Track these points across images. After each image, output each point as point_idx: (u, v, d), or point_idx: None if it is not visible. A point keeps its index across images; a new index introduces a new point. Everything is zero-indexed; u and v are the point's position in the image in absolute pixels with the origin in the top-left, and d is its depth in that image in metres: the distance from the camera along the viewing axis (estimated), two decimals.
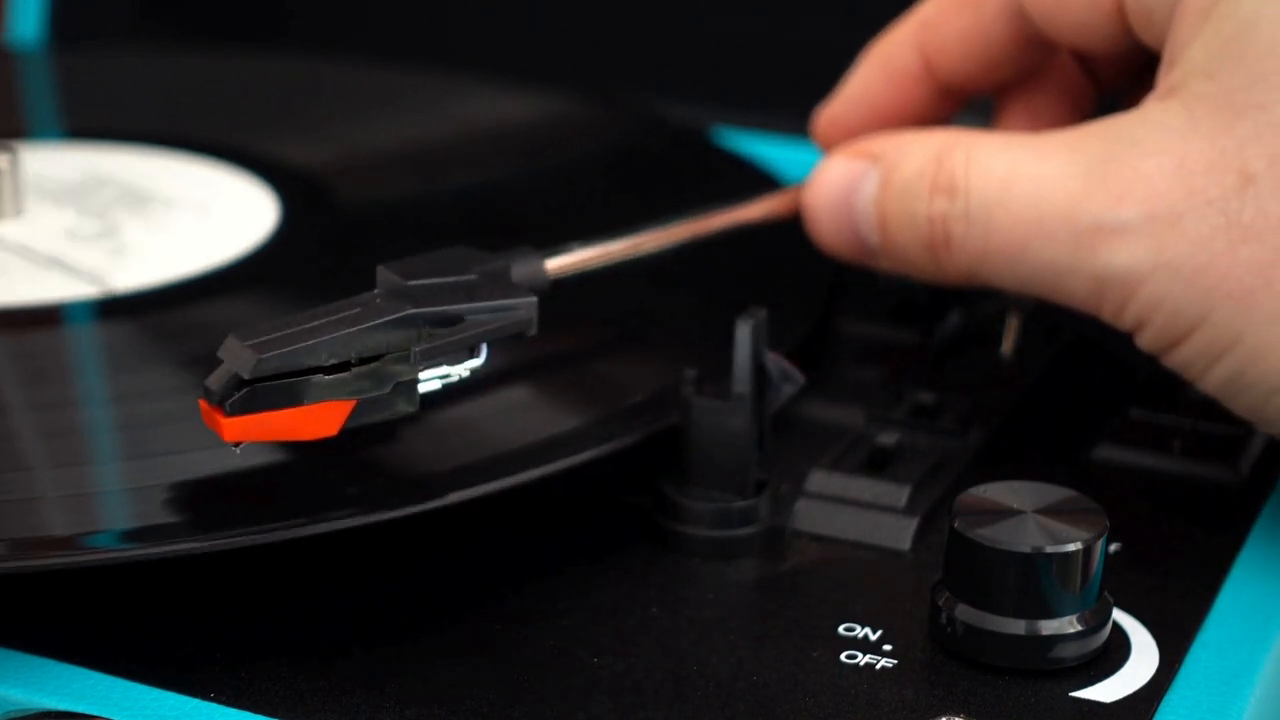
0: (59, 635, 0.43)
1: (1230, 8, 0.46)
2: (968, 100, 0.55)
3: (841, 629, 0.44)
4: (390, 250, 0.48)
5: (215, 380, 0.42)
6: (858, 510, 0.48)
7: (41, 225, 0.58)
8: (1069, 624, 0.43)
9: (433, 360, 0.44)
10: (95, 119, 0.66)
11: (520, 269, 0.47)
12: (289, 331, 0.43)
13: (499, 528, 0.48)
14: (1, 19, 0.79)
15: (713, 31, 0.74)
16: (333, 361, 0.43)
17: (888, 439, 0.50)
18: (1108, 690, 0.42)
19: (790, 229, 0.53)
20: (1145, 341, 0.46)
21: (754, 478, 0.47)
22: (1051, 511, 0.43)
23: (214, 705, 0.42)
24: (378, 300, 0.44)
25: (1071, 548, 0.42)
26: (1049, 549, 0.42)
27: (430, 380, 0.45)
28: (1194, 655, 0.44)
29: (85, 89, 0.69)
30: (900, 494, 0.48)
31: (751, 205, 0.53)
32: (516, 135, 0.66)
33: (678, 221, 0.51)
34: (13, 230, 0.57)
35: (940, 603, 0.43)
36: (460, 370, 0.45)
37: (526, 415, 0.49)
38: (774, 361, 0.47)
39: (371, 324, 0.43)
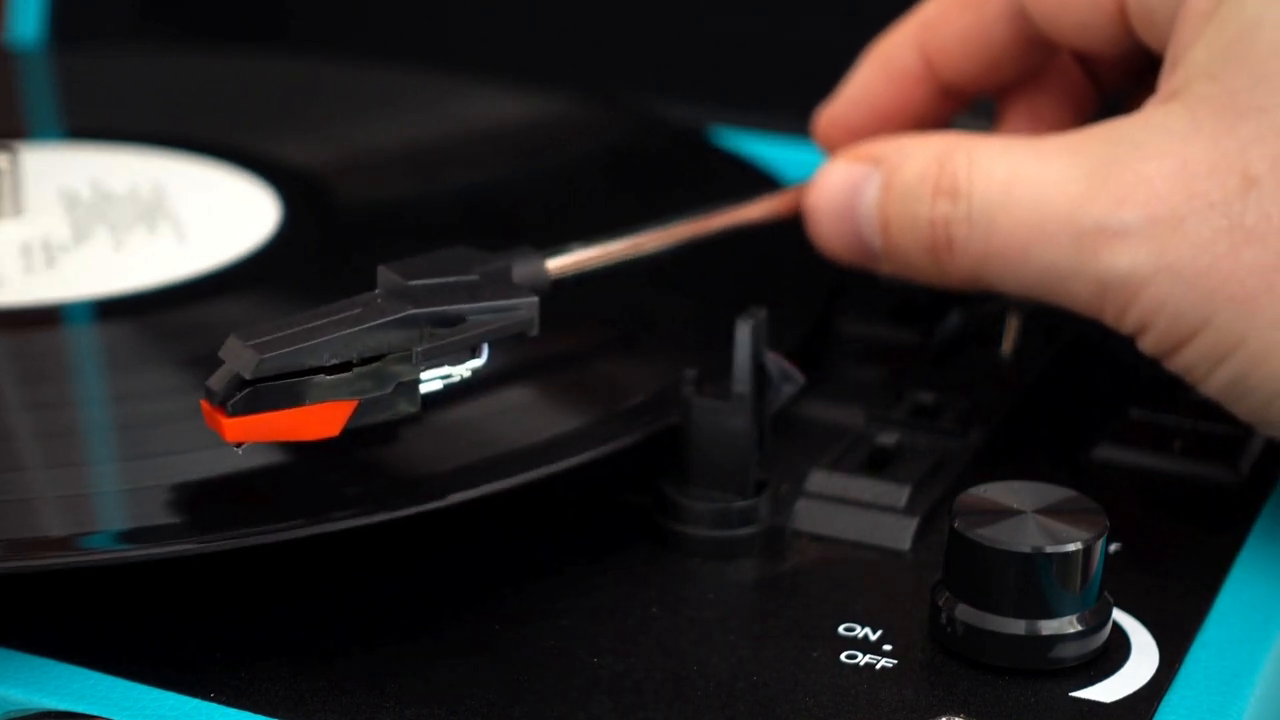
0: (59, 635, 0.43)
1: (1233, 10, 0.46)
2: (969, 101, 0.55)
3: (841, 629, 0.44)
4: (390, 250, 0.48)
5: (217, 381, 0.42)
6: (858, 510, 0.48)
7: (41, 225, 0.58)
8: (1069, 624, 0.43)
9: (434, 360, 0.44)
10: (95, 119, 0.66)
11: (521, 269, 0.47)
12: (290, 332, 0.43)
13: (499, 528, 0.48)
14: (1, 19, 0.79)
15: (712, 32, 0.74)
16: (334, 362, 0.43)
17: (888, 439, 0.50)
18: (1108, 690, 0.42)
19: (790, 229, 0.53)
20: (1148, 345, 0.46)
21: (754, 478, 0.47)
22: (1051, 511, 0.43)
23: (214, 705, 0.42)
24: (379, 300, 0.44)
25: (1071, 548, 0.42)
26: (1049, 549, 0.42)
27: (432, 380, 0.45)
28: (1194, 655, 0.44)
29: (85, 89, 0.69)
30: (900, 494, 0.48)
31: (752, 205, 0.53)
32: (516, 135, 0.66)
33: (678, 222, 0.51)
34: (13, 230, 0.57)
35: (940, 603, 0.43)
36: (462, 370, 0.45)
37: (526, 416, 0.49)
38: (774, 361, 0.47)
39: (373, 324, 0.43)
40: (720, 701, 0.42)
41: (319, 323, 0.43)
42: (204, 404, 0.42)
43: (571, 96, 0.68)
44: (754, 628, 0.44)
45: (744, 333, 0.46)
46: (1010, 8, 0.52)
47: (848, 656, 0.43)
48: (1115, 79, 0.54)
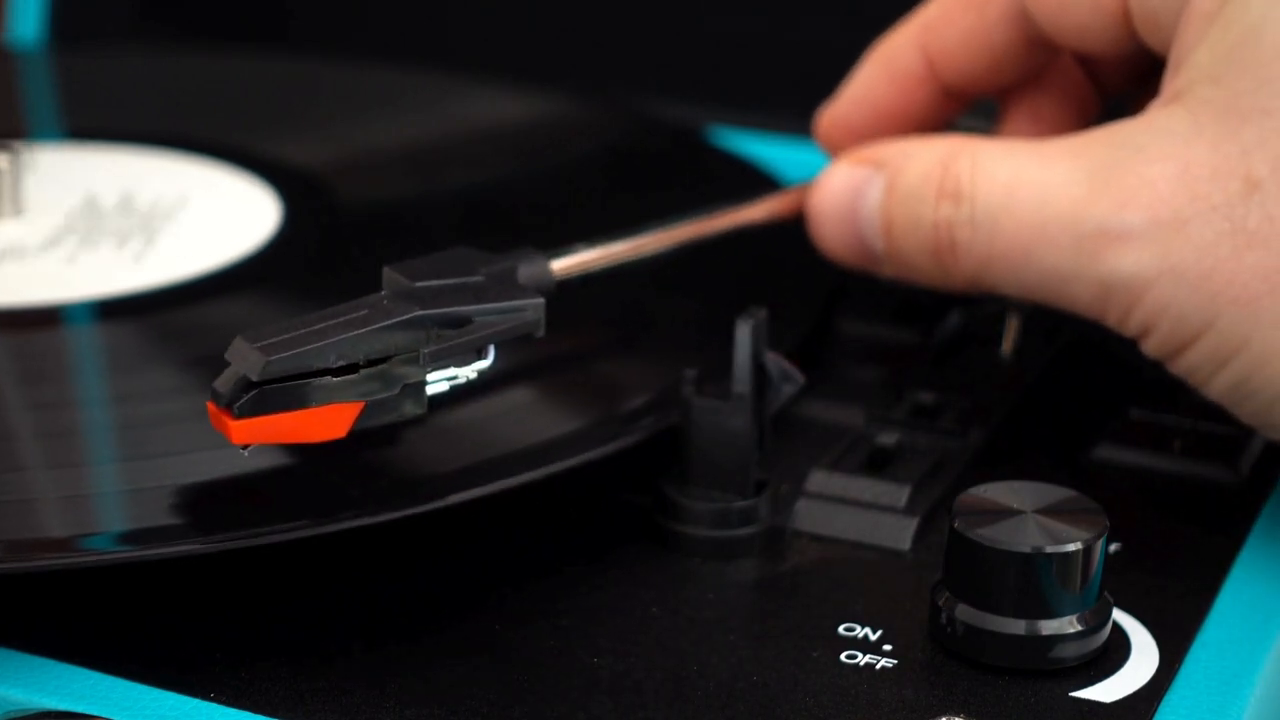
0: (59, 635, 0.43)
1: (1237, 12, 0.46)
2: (971, 102, 0.55)
3: (841, 629, 0.44)
4: (391, 250, 0.48)
5: (223, 383, 0.42)
6: (858, 510, 0.48)
7: (41, 225, 0.58)
8: (1069, 624, 0.43)
9: (441, 362, 0.44)
10: (95, 119, 0.66)
11: (526, 270, 0.47)
12: (296, 333, 0.43)
13: (499, 528, 0.48)
14: (1, 19, 0.79)
15: (711, 32, 0.74)
16: (341, 363, 0.43)
17: (888, 439, 0.50)
18: (1108, 690, 0.42)
19: (790, 229, 0.53)
20: (1151, 347, 0.46)
21: (754, 478, 0.47)
22: (1051, 511, 0.43)
23: (214, 705, 0.42)
24: (385, 302, 0.44)
25: (1071, 548, 0.42)
26: (1049, 549, 0.42)
27: (438, 382, 0.45)
28: (1194, 655, 0.44)
29: (85, 89, 0.69)
30: (900, 494, 0.48)
31: (754, 206, 0.53)
32: (516, 135, 0.66)
33: (680, 222, 0.51)
34: (13, 230, 0.57)
35: (940, 603, 0.43)
36: (468, 372, 0.45)
37: (525, 416, 0.49)
38: (774, 361, 0.47)
39: (380, 326, 0.43)
40: (720, 701, 0.42)
41: (325, 324, 0.43)
42: (210, 406, 0.42)
43: (571, 97, 0.68)
44: (754, 628, 0.44)
45: (744, 333, 0.46)
46: (1012, 9, 0.52)
47: (848, 656, 0.43)
48: (1118, 81, 0.54)
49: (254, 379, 0.42)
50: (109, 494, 0.45)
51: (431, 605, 0.45)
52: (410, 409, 0.44)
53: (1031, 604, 0.42)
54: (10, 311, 0.52)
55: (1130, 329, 0.46)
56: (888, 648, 0.44)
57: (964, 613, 0.43)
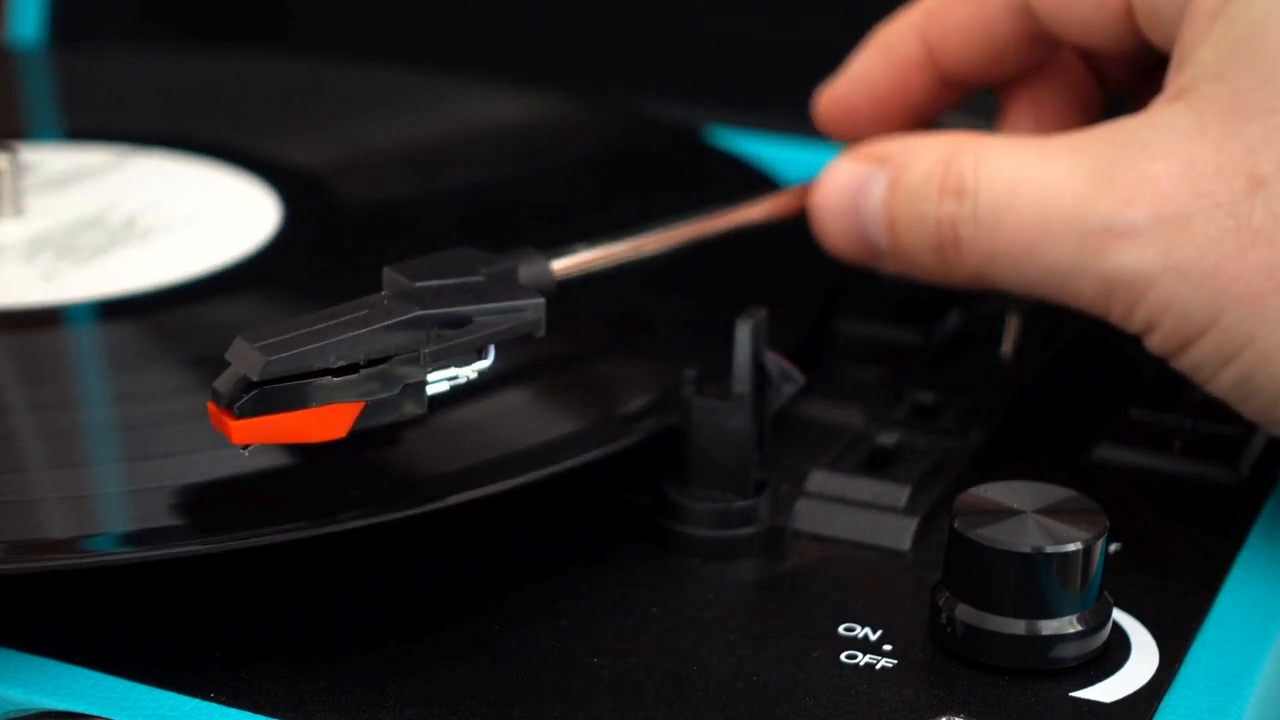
0: (59, 635, 0.43)
1: (1241, 9, 0.46)
2: (969, 91, 0.55)
3: (841, 629, 0.44)
4: (392, 250, 0.48)
5: (223, 383, 0.42)
6: (858, 510, 0.48)
7: (42, 225, 0.58)
8: (1069, 624, 0.43)
9: (441, 362, 0.44)
10: (95, 119, 0.66)
11: (527, 270, 0.47)
12: (297, 334, 0.43)
13: (499, 528, 0.48)
14: (1, 18, 0.79)
15: (711, 32, 0.74)
16: (341, 363, 0.43)
17: (888, 439, 0.50)
18: (1108, 690, 0.42)
19: (790, 229, 0.53)
20: (1154, 344, 0.46)
21: (754, 478, 0.47)
22: (1051, 511, 0.43)
23: (214, 705, 0.42)
24: (385, 302, 0.44)
25: (1071, 548, 0.42)
26: (1049, 549, 0.42)
27: (439, 382, 0.45)
28: (1194, 655, 0.44)
29: (85, 89, 0.69)
30: (900, 494, 0.48)
31: (754, 206, 0.53)
32: (516, 135, 0.66)
33: (681, 222, 0.51)
34: (13, 230, 0.57)
35: (940, 603, 0.43)
36: (468, 372, 0.45)
37: (525, 417, 0.49)
38: (774, 361, 0.47)
39: (380, 326, 0.43)
40: (720, 701, 0.42)
41: (326, 324, 0.43)
42: (210, 406, 0.42)
43: (570, 96, 0.68)
44: (754, 628, 0.44)
45: (744, 333, 0.46)
46: (1014, 2, 0.52)
47: (848, 656, 0.43)
48: (1121, 78, 0.54)
49: (254, 379, 0.42)
50: (110, 495, 0.45)
51: (431, 605, 0.45)
52: (411, 409, 0.44)
53: (1031, 604, 0.42)
54: (10, 312, 0.52)
55: (1134, 325, 0.46)
56: (888, 648, 0.44)
57: (964, 613, 0.43)
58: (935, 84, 0.54)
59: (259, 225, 0.57)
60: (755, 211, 0.52)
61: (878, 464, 0.49)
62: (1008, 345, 0.55)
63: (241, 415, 0.42)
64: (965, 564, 0.43)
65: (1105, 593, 0.43)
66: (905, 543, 0.47)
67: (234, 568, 0.45)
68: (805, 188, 0.52)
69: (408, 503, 0.44)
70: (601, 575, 0.46)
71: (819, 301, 0.55)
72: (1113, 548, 0.47)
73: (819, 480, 0.48)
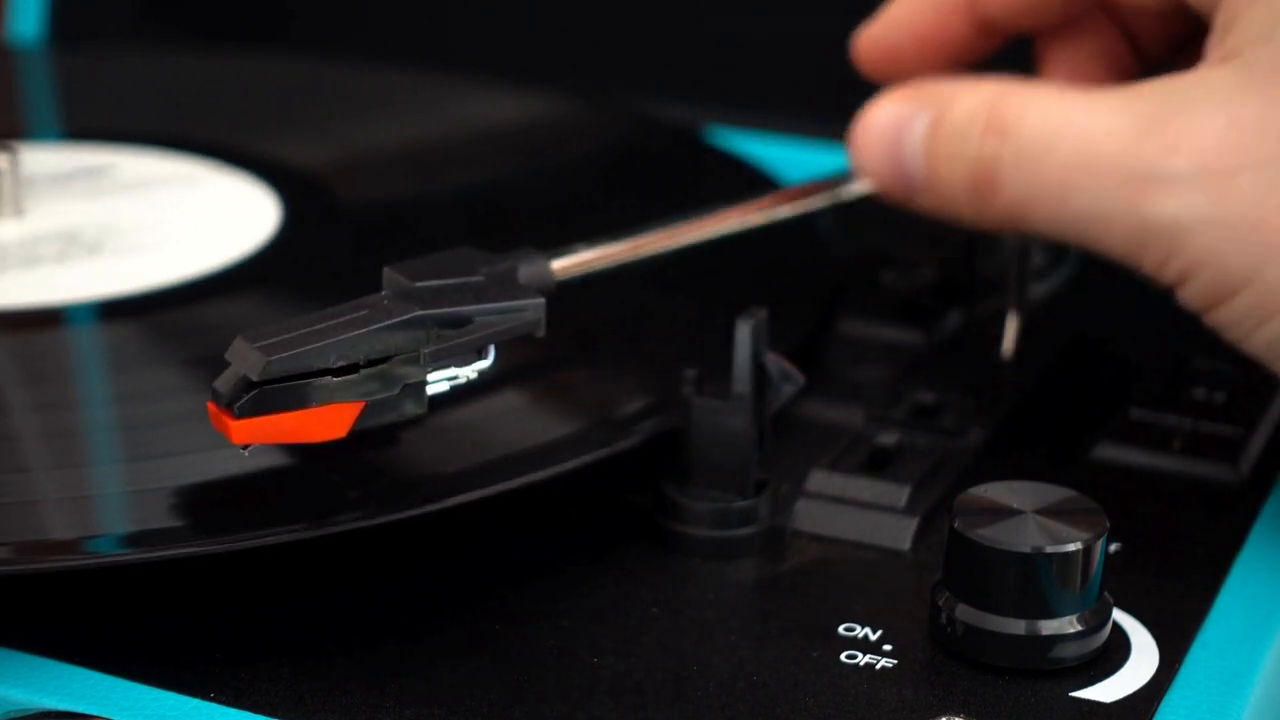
0: (59, 635, 0.43)
1: None
2: (1007, 39, 0.54)
3: (841, 629, 0.44)
4: (392, 250, 0.48)
5: (223, 383, 0.42)
6: (858, 510, 0.48)
7: (42, 226, 0.58)
8: (1069, 624, 0.43)
9: (441, 362, 0.44)
10: (95, 119, 0.66)
11: (527, 270, 0.47)
12: (297, 334, 0.43)
13: (499, 528, 0.48)
14: (1, 17, 0.79)
15: (711, 32, 0.74)
16: (341, 363, 0.43)
17: (888, 439, 0.50)
18: (1108, 690, 0.42)
19: (791, 229, 0.53)
20: (1188, 296, 0.46)
21: (754, 478, 0.47)
22: (1051, 511, 0.43)
23: (214, 705, 0.42)
24: (385, 302, 0.44)
25: (1071, 548, 0.42)
26: (1049, 549, 0.42)
27: (439, 382, 0.45)
28: (1194, 655, 0.44)
29: (85, 89, 0.69)
30: (900, 494, 0.48)
31: (754, 206, 0.53)
32: (516, 135, 0.66)
33: (680, 222, 0.51)
34: (13, 230, 0.57)
35: (940, 603, 0.43)
36: (468, 372, 0.45)
37: (524, 418, 0.49)
38: (774, 361, 0.47)
39: (380, 326, 0.43)
40: (720, 701, 0.42)
41: (325, 324, 0.43)
42: (210, 406, 0.42)
43: (570, 96, 0.68)
44: (754, 628, 0.44)
45: (744, 333, 0.46)
46: None
47: (848, 656, 0.43)
48: (1155, 48, 0.54)
49: (254, 379, 0.42)
50: (111, 495, 0.45)
51: (432, 605, 0.45)
52: (411, 409, 0.44)
53: (1031, 604, 0.42)
54: (11, 312, 0.52)
55: (1167, 276, 0.46)
56: (888, 648, 0.44)
57: (964, 613, 0.43)
58: (974, 30, 0.54)
59: (259, 225, 0.57)
60: (755, 212, 0.52)
61: (878, 464, 0.49)
62: (1008, 345, 0.55)
63: (241, 415, 0.42)
64: (965, 564, 0.43)
65: (1105, 593, 0.43)
66: (905, 543, 0.47)
67: (234, 568, 0.45)
68: (805, 188, 0.52)
69: (407, 504, 0.44)
70: (602, 575, 0.46)
71: (820, 301, 0.55)
72: (1113, 548, 0.47)
73: (819, 480, 0.48)
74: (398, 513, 0.44)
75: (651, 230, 0.50)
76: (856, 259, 0.58)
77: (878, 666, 0.43)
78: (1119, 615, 0.45)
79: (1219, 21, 0.47)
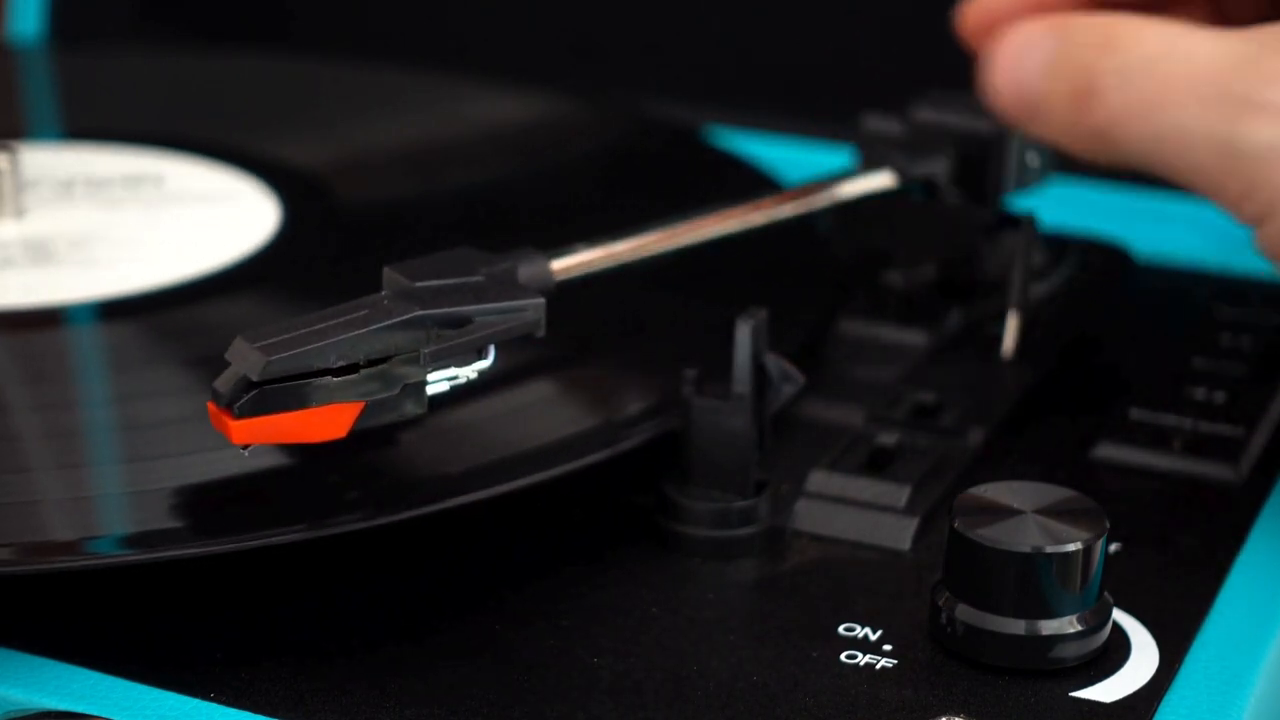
0: (59, 635, 0.43)
1: None
2: (1117, 4, 0.55)
3: (841, 629, 0.44)
4: (391, 250, 0.48)
5: (223, 383, 0.42)
6: (858, 510, 0.48)
7: (42, 225, 0.58)
8: (1069, 624, 0.43)
9: (441, 362, 0.44)
10: (95, 119, 0.66)
11: (526, 270, 0.47)
12: (297, 334, 0.43)
13: (499, 528, 0.48)
14: (1, 16, 0.79)
15: (711, 32, 0.74)
16: (341, 363, 0.43)
17: (888, 439, 0.50)
18: (1108, 690, 0.42)
19: (791, 229, 0.53)
20: (1267, 236, 0.46)
21: (754, 478, 0.47)
22: (1051, 511, 0.43)
23: (214, 705, 0.42)
24: (385, 302, 0.44)
25: (1071, 548, 0.42)
26: (1049, 549, 0.42)
27: (439, 382, 0.45)
28: (1194, 655, 0.44)
29: (85, 89, 0.69)
30: (900, 494, 0.48)
31: (755, 206, 0.53)
32: (516, 135, 0.66)
33: (680, 222, 0.51)
34: (13, 230, 0.57)
35: (940, 603, 0.43)
36: (468, 371, 0.45)
37: (524, 419, 0.48)
38: (774, 361, 0.47)
39: (380, 325, 0.43)
40: (720, 701, 0.42)
41: (325, 324, 0.43)
42: (210, 406, 0.42)
43: (570, 96, 0.68)
44: (754, 628, 0.44)
45: (744, 333, 0.46)
46: None
47: (848, 656, 0.43)
48: (1248, 15, 0.54)
49: (254, 379, 0.42)
50: (112, 496, 0.45)
51: (432, 605, 0.45)
52: (411, 409, 0.44)
53: (1031, 604, 0.42)
54: (11, 312, 0.52)
55: (1248, 208, 0.46)
56: (888, 648, 0.44)
57: (964, 613, 0.43)
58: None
59: (259, 225, 0.57)
60: (756, 213, 0.52)
61: (878, 464, 0.49)
62: (1008, 345, 0.55)
63: (241, 415, 0.42)
64: (965, 564, 0.43)
65: (1105, 593, 0.43)
66: (905, 543, 0.47)
67: (234, 568, 0.45)
68: (805, 187, 0.52)
69: (406, 505, 0.44)
70: (602, 575, 0.46)
71: (821, 301, 0.55)
72: (1113, 548, 0.47)
73: (819, 480, 0.48)
74: (397, 514, 0.44)
75: (651, 230, 0.50)
76: (856, 259, 0.58)
77: (878, 666, 0.43)
78: (1119, 615, 0.45)
79: None
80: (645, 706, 0.42)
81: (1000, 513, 0.43)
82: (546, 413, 0.49)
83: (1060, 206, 0.61)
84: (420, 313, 0.44)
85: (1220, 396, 0.53)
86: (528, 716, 0.41)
